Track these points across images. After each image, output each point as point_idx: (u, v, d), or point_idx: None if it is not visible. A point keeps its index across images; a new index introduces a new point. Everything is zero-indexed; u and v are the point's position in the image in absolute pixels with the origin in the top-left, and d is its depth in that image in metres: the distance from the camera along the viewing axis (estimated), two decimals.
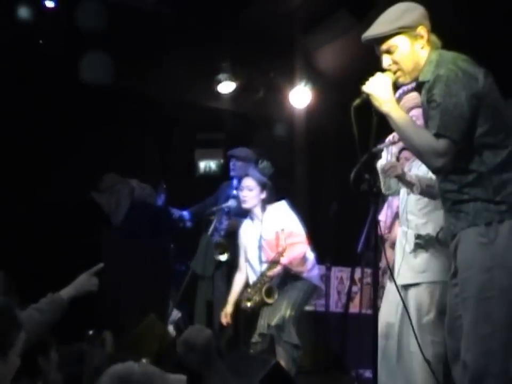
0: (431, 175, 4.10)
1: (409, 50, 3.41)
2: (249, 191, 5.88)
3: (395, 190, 4.55)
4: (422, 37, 3.40)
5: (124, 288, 7.03)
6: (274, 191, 5.98)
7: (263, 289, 5.71)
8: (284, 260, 5.66)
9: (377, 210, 3.93)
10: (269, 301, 5.72)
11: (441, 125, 3.21)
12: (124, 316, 6.53)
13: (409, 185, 4.25)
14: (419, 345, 3.79)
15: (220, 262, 6.74)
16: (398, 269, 4.40)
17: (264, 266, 5.80)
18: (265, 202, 5.91)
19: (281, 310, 5.61)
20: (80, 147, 7.73)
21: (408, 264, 4.36)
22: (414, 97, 4.27)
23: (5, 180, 7.42)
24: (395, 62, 3.45)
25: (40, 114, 7.53)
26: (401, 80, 3.50)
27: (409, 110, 4.32)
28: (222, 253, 6.66)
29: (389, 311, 4.42)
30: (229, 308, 5.99)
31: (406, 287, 4.35)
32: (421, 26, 3.40)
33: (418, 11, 3.44)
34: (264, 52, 8.23)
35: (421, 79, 3.44)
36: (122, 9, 7.03)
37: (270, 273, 5.72)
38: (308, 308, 7.25)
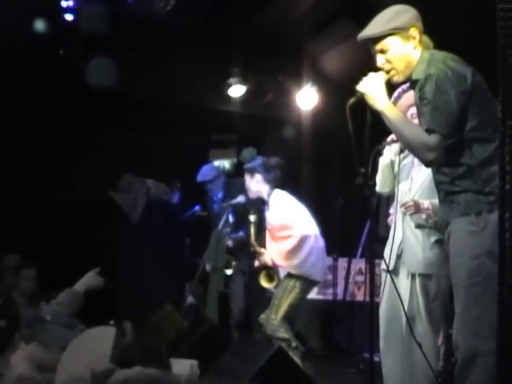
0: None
1: (402, 50, 3.42)
2: (246, 183, 5.85)
3: (390, 190, 4.51)
4: (413, 37, 3.42)
5: (142, 281, 7.08)
6: (276, 169, 5.80)
7: (260, 275, 5.70)
8: (265, 260, 5.66)
9: (373, 203, 3.93)
10: (266, 285, 5.70)
11: (432, 120, 3.23)
12: (143, 307, 6.58)
13: (427, 214, 4.23)
14: (411, 331, 3.81)
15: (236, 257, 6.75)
16: (407, 257, 4.33)
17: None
18: (269, 184, 5.73)
19: (270, 309, 5.50)
20: (100, 150, 7.79)
21: (420, 254, 4.28)
22: (412, 95, 4.22)
23: (32, 181, 7.52)
24: (388, 61, 3.46)
25: (61, 120, 7.61)
26: (394, 78, 3.51)
27: (408, 107, 4.28)
28: (227, 268, 6.68)
29: (391, 298, 4.38)
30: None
31: (414, 275, 4.30)
32: (413, 28, 3.41)
33: (410, 13, 3.46)
34: (272, 57, 8.24)
35: (413, 77, 3.45)
36: (136, 18, 7.05)
37: (262, 261, 5.70)
38: (317, 296, 7.28)
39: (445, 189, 3.43)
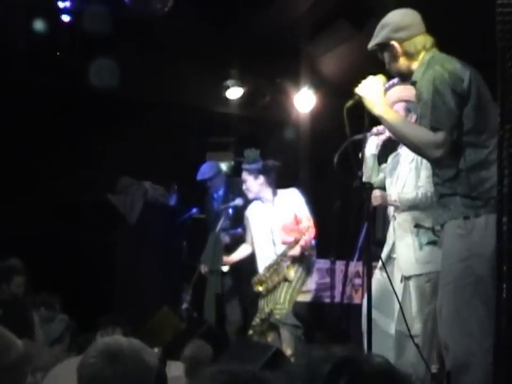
0: (412, 195, 4.25)
1: (390, 59, 3.56)
2: (245, 183, 5.89)
3: (375, 183, 4.53)
4: (395, 48, 3.52)
5: (140, 283, 7.11)
6: (273, 171, 5.89)
7: (285, 268, 5.71)
8: (303, 240, 5.64)
9: (370, 206, 3.94)
10: (257, 290, 5.75)
11: (434, 119, 3.30)
12: (140, 308, 6.60)
13: (394, 206, 4.36)
14: (409, 332, 3.85)
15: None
16: (401, 261, 4.37)
17: (279, 248, 5.78)
18: (271, 186, 5.84)
19: (281, 298, 5.59)
20: (97, 152, 7.79)
21: (412, 256, 4.31)
22: (397, 91, 4.23)
23: (29, 183, 7.52)
24: (388, 66, 3.61)
25: (58, 121, 7.61)
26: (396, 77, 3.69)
27: (392, 104, 4.33)
28: (223, 264, 6.67)
29: (375, 295, 4.39)
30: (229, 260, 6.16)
31: (408, 277, 4.33)
32: (392, 41, 3.52)
33: (389, 26, 3.55)
34: (270, 59, 8.24)
35: (413, 79, 3.53)
36: (134, 19, 7.07)
37: (291, 252, 5.70)
38: (315, 299, 7.28)
39: (438, 190, 3.51)
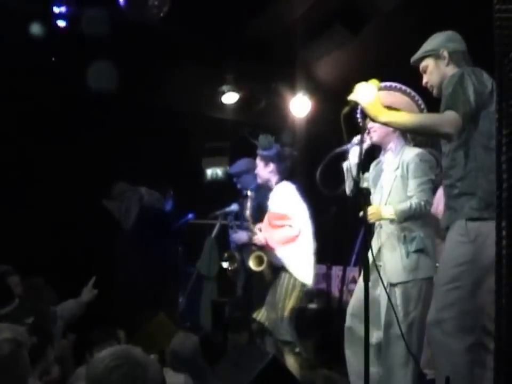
0: (406, 205, 4.27)
1: (435, 68, 3.79)
2: (258, 169, 5.87)
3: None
4: (444, 57, 3.75)
5: (135, 289, 7.10)
6: (288, 159, 5.85)
7: (252, 257, 5.69)
8: (259, 238, 5.66)
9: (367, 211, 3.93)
10: (255, 268, 5.69)
11: (450, 102, 3.48)
12: (136, 315, 6.59)
13: (390, 220, 4.38)
14: (404, 338, 3.88)
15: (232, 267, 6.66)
16: (387, 268, 4.39)
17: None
18: (281, 174, 5.80)
19: (277, 310, 5.48)
20: (92, 156, 7.78)
21: (399, 263, 4.34)
22: (381, 96, 4.23)
23: (26, 188, 7.51)
24: (427, 78, 3.82)
25: (53, 126, 7.61)
26: (434, 92, 3.83)
27: None
28: (227, 261, 6.55)
29: (356, 304, 4.40)
30: None
31: (394, 284, 4.35)
32: (443, 49, 3.76)
33: (441, 37, 3.83)
34: (265, 64, 8.26)
35: (443, 85, 3.70)
36: (132, 24, 7.07)
37: (255, 241, 5.70)
38: (311, 305, 7.28)
39: (448, 192, 3.63)
